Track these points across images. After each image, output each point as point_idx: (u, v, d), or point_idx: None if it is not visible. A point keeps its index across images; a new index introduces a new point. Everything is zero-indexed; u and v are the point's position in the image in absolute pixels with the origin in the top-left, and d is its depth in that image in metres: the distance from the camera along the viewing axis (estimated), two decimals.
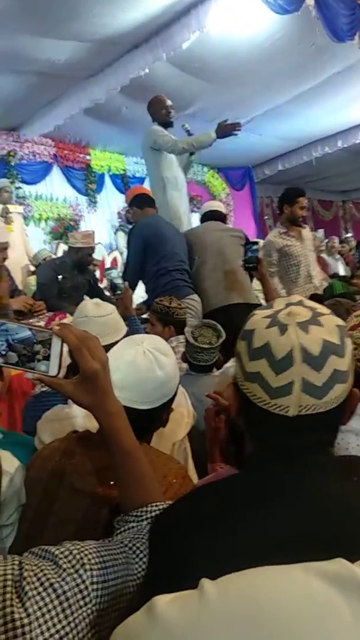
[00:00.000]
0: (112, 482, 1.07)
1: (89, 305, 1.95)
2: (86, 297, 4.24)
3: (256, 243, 3.08)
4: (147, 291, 3.67)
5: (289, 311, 0.74)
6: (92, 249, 4.37)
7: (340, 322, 0.75)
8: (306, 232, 4.19)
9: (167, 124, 4.14)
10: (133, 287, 3.66)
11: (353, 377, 0.75)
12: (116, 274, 3.37)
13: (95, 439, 1.18)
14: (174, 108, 4.23)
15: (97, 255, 6.48)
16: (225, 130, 3.89)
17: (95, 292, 4.36)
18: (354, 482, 0.70)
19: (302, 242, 4.07)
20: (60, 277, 4.16)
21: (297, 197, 4.02)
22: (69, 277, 4.19)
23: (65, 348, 0.86)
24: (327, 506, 0.66)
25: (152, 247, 3.48)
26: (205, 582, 0.50)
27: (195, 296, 3.45)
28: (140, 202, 3.82)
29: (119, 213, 8.60)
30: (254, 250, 2.97)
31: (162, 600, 0.51)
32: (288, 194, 4.11)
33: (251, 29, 5.11)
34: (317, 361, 0.70)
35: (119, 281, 3.09)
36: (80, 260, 4.23)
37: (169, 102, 4.20)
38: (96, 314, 1.89)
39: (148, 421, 1.22)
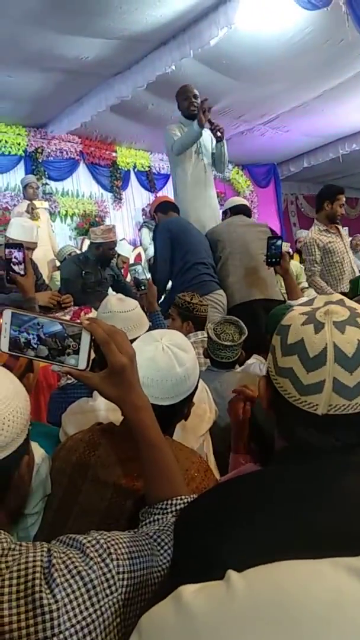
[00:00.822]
0: (135, 474, 1.08)
1: (113, 300, 1.97)
2: (111, 292, 4.27)
3: (280, 238, 3.05)
4: (174, 287, 3.65)
5: (327, 309, 0.74)
6: (114, 243, 4.38)
7: None
8: (341, 229, 4.16)
9: (190, 116, 3.95)
10: (164, 286, 3.64)
11: None
12: (140, 269, 3.38)
13: (119, 431, 1.19)
14: (199, 98, 3.96)
15: (125, 253, 6.51)
16: (202, 116, 3.65)
17: (120, 286, 4.38)
18: None
19: (342, 238, 4.05)
20: (84, 272, 4.19)
21: (337, 194, 3.99)
22: (92, 272, 4.21)
23: None
24: (354, 504, 0.66)
25: (178, 240, 3.52)
26: (232, 574, 0.50)
27: (221, 291, 3.46)
28: (163, 208, 3.91)
29: (143, 210, 8.64)
30: (277, 246, 2.95)
31: (189, 590, 0.51)
32: (328, 191, 4.07)
33: (280, 25, 5.06)
34: (350, 362, 0.70)
35: (143, 277, 3.10)
36: (102, 255, 4.25)
37: (193, 92, 3.96)
38: (120, 309, 1.90)
39: (169, 415, 1.22)
